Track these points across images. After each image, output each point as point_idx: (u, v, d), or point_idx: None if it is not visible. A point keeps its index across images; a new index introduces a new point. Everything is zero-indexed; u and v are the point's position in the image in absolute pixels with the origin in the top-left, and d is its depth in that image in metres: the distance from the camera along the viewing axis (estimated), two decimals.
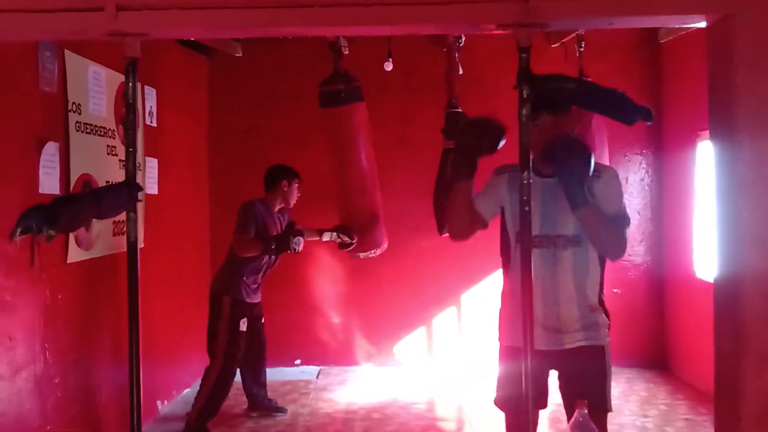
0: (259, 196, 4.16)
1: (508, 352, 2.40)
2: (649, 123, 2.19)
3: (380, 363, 5.44)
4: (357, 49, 5.18)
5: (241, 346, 3.98)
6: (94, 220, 2.71)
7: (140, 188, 1.88)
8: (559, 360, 2.34)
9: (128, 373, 1.89)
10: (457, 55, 4.48)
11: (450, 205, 2.40)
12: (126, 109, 1.94)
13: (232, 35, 3.81)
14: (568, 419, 2.43)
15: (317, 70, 4.06)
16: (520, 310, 2.28)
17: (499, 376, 2.47)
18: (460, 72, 4.50)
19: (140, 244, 4.03)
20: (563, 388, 2.38)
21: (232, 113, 5.44)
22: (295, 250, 3.90)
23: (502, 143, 2.25)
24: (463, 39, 4.57)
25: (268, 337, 4.40)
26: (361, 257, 4.17)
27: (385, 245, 4.05)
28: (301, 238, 3.92)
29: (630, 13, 1.88)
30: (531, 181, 2.36)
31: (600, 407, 2.31)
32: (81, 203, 1.65)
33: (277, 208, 4.13)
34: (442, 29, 2.93)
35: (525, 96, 1.96)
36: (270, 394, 4.61)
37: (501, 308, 2.50)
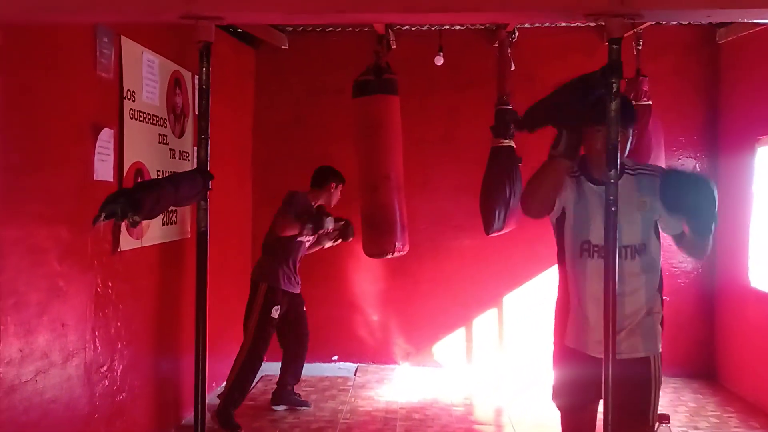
0: (304, 189, 4.28)
1: (567, 353, 2.42)
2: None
3: (418, 363, 5.36)
4: (405, 44, 5.11)
5: (270, 333, 4.11)
6: None
7: (212, 176, 1.82)
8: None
9: (194, 362, 1.84)
10: (509, 50, 4.37)
11: (541, 181, 2.27)
12: (199, 95, 1.89)
13: (308, 21, 3.75)
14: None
15: (363, 63, 3.98)
16: (579, 315, 2.35)
17: (555, 377, 2.48)
18: (512, 68, 4.40)
19: (186, 235, 4.03)
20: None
21: (277, 105, 5.40)
22: (327, 228, 4.17)
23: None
24: (517, 34, 4.46)
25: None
26: (380, 258, 4.06)
27: (396, 248, 3.81)
28: (331, 218, 4.17)
29: (733, 5, 1.77)
30: (582, 184, 2.33)
31: (641, 421, 2.21)
32: (161, 190, 1.60)
33: (316, 205, 4.27)
34: (527, 18, 2.84)
35: (615, 89, 1.87)
36: (308, 389, 4.65)
37: (558, 305, 2.50)
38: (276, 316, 4.09)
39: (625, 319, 2.24)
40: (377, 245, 3.80)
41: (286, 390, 4.31)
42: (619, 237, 2.14)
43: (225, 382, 4.05)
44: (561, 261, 2.45)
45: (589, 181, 2.32)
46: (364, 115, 3.80)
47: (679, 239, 2.28)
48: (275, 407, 4.29)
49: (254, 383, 4.16)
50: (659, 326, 2.32)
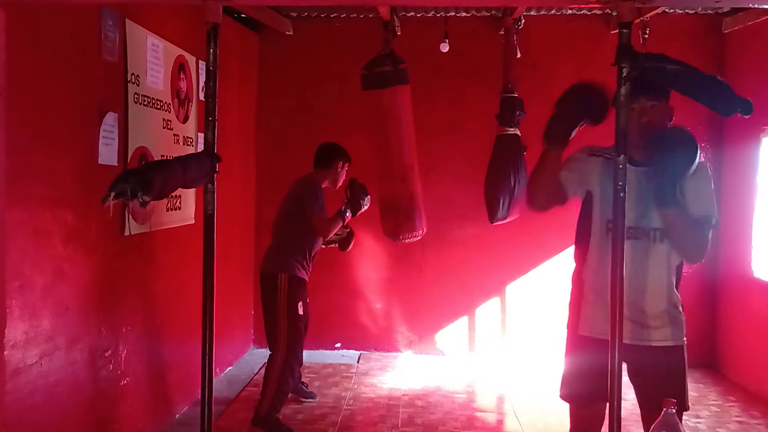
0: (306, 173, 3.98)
1: (580, 342, 2.34)
2: (746, 116, 2.05)
3: (420, 351, 5.38)
4: (410, 31, 5.08)
5: (301, 328, 3.80)
6: None
7: (219, 159, 1.81)
8: (639, 354, 2.25)
9: (201, 347, 1.83)
10: (515, 37, 4.34)
11: (537, 171, 2.26)
12: (207, 76, 1.88)
13: (317, 2, 3.65)
14: (643, 416, 2.35)
15: (367, 49, 3.97)
16: (598, 300, 2.27)
17: (566, 368, 2.42)
18: (518, 55, 4.37)
19: (190, 221, 4.02)
20: (643, 386, 2.30)
21: (280, 91, 5.38)
22: (364, 207, 3.91)
23: (605, 116, 2.13)
24: (523, 21, 4.43)
25: (309, 319, 4.37)
26: (404, 242, 4.09)
27: (422, 231, 3.94)
28: (367, 195, 3.89)
29: None
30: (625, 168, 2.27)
31: (680, 407, 2.23)
32: (170, 170, 1.59)
33: (323, 186, 3.91)
34: (537, 1, 2.81)
35: (625, 74, 1.85)
36: (311, 376, 4.64)
37: (573, 295, 2.41)
38: (302, 312, 3.76)
39: (652, 304, 2.22)
40: (407, 230, 3.86)
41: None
42: (650, 218, 2.17)
43: (263, 389, 3.71)
44: (582, 246, 2.36)
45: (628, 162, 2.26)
46: (388, 107, 3.79)
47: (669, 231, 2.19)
48: None
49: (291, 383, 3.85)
50: (682, 316, 2.30)
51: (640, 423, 2.42)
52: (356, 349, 5.39)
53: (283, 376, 3.67)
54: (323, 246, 4.02)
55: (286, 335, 3.68)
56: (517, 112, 4.21)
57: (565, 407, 2.57)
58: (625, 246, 2.15)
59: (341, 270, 5.36)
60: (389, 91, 3.75)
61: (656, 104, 2.18)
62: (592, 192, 2.30)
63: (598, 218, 2.28)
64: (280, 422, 3.70)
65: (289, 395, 4.09)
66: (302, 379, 4.28)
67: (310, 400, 4.22)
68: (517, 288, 5.31)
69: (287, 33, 5.19)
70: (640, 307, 2.22)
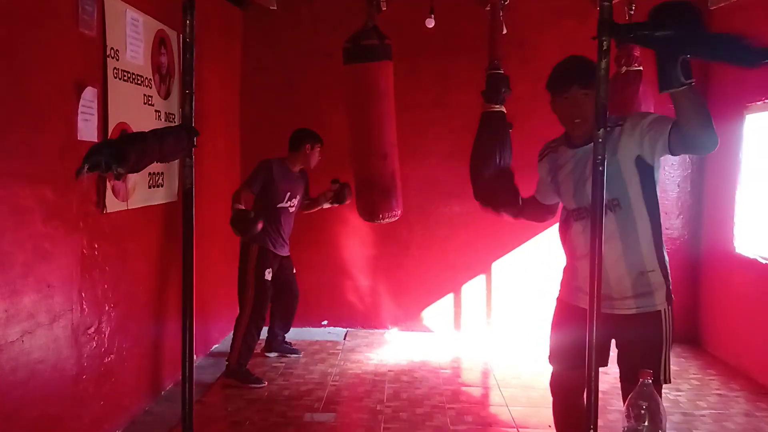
0: (285, 154, 4.37)
1: (559, 305, 2.51)
2: None
3: (407, 328, 5.41)
4: (395, 6, 5.02)
5: (268, 293, 4.20)
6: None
7: (197, 132, 1.79)
8: (613, 325, 2.28)
9: (181, 322, 1.83)
10: (501, 13, 4.30)
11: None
12: (183, 48, 1.84)
13: None
14: (623, 390, 2.39)
15: (352, 26, 3.91)
16: (571, 274, 2.45)
17: (551, 330, 2.54)
18: (504, 32, 4.34)
19: (173, 198, 3.99)
20: (618, 358, 2.34)
21: (265, 67, 5.32)
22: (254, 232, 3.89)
23: None
24: None
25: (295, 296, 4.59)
26: (381, 222, 4.04)
27: (399, 211, 3.87)
28: (255, 226, 3.83)
29: None
30: (561, 152, 2.41)
31: (654, 378, 2.25)
32: (147, 143, 1.56)
33: (297, 169, 4.33)
34: None
35: (605, 48, 1.83)
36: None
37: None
38: (269, 278, 4.19)
39: (614, 275, 2.28)
40: (386, 210, 3.82)
41: (276, 340, 4.56)
42: (588, 195, 2.14)
43: (232, 343, 4.15)
44: (561, 228, 2.54)
45: (568, 146, 2.40)
46: (372, 83, 3.72)
47: (676, 130, 2.11)
48: (268, 354, 4.58)
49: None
50: (660, 280, 2.30)
51: (620, 396, 2.47)
52: (343, 327, 5.42)
53: (249, 332, 4.10)
54: (325, 207, 4.48)
55: (252, 298, 4.11)
56: (503, 89, 4.18)
57: (547, 380, 2.61)
58: (576, 228, 2.34)
59: (328, 248, 5.36)
60: (374, 65, 3.70)
61: (590, 92, 2.18)
62: (554, 186, 2.47)
63: (562, 206, 2.47)
64: (249, 372, 4.07)
65: (277, 354, 4.60)
66: (288, 341, 4.68)
67: (295, 355, 4.61)
68: (503, 265, 5.33)
69: (271, 8, 5.11)
70: (604, 281, 2.26)
